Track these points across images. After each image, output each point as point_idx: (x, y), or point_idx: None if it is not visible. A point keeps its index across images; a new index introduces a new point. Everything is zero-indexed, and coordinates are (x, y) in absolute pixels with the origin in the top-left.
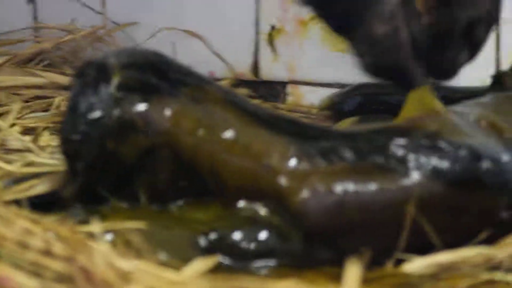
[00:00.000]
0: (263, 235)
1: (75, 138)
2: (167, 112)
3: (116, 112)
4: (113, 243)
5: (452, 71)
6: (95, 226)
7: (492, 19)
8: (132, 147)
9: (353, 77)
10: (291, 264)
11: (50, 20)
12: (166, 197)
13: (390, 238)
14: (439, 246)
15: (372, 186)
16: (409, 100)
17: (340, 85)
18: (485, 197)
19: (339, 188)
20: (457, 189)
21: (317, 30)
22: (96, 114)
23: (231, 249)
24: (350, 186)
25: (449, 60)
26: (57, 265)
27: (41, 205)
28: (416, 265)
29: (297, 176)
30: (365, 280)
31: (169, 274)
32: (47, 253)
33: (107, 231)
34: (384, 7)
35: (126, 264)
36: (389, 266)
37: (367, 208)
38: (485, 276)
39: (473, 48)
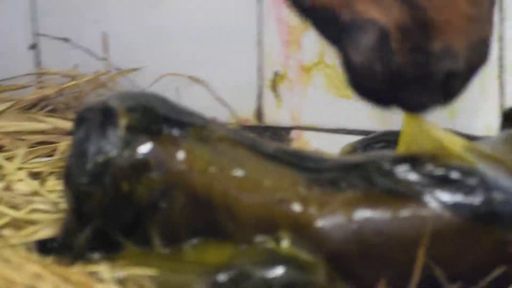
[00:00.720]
0: (284, 268)
1: (85, 181)
2: (178, 152)
3: (127, 153)
4: None
5: (421, 110)
6: (105, 271)
7: (471, 71)
8: (146, 187)
9: (358, 123)
10: None
11: (53, 66)
12: (179, 237)
13: (406, 265)
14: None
15: (385, 212)
16: (405, 126)
17: (345, 131)
18: (498, 230)
19: (354, 214)
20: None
21: (321, 76)
22: (106, 156)
23: (253, 285)
24: (364, 212)
25: (420, 101)
26: None
27: (48, 250)
28: None
29: (312, 204)
30: None
31: None
32: None
33: (118, 276)
34: (361, 40)
35: None
36: None
37: (381, 233)
38: None
39: (448, 96)
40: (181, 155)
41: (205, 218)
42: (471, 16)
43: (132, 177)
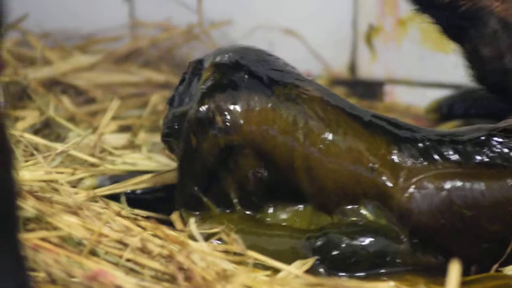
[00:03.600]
0: (372, 239)
1: (166, 132)
2: (256, 110)
3: (197, 107)
4: (213, 245)
5: None
6: (194, 228)
7: None
8: (210, 144)
9: (452, 77)
10: (400, 268)
11: (146, 18)
12: (256, 198)
13: (498, 237)
14: None
15: (480, 184)
16: None
17: (439, 85)
18: None
19: (446, 185)
20: None
21: (416, 30)
22: (183, 109)
23: (341, 255)
24: (457, 184)
25: None
26: (155, 264)
27: (141, 203)
28: None
29: (402, 175)
30: (466, 283)
31: (265, 274)
32: (146, 252)
33: (207, 233)
34: (486, 29)
35: (226, 264)
36: (492, 270)
37: (475, 205)
38: None
39: None
40: (259, 114)
41: (282, 181)
42: None
43: (198, 132)
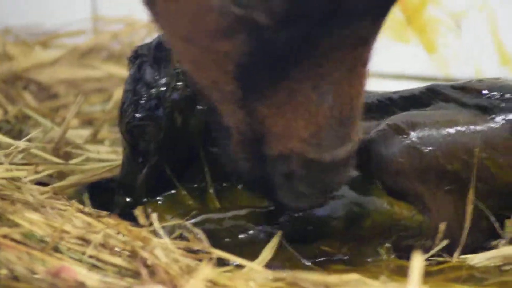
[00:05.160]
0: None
1: (140, 116)
2: None
3: (180, 85)
4: (176, 242)
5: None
6: (158, 223)
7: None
8: (199, 120)
9: (410, 69)
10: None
11: (108, 12)
12: (231, 177)
13: (457, 178)
14: None
15: (436, 126)
16: None
17: (396, 77)
18: None
19: (405, 129)
20: None
21: None
22: (159, 89)
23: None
24: (415, 127)
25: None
26: (118, 260)
27: (104, 192)
28: (480, 257)
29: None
30: (429, 273)
31: (227, 269)
32: (108, 248)
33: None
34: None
35: (188, 258)
36: (454, 258)
37: (432, 143)
38: None
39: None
40: None
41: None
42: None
43: (185, 109)
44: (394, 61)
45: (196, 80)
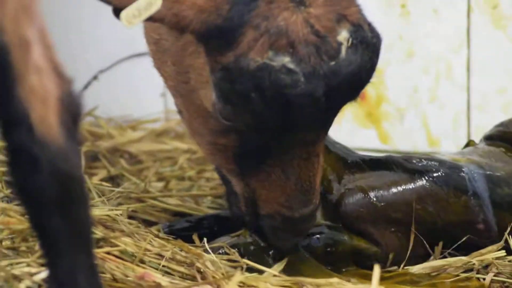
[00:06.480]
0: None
1: None
2: None
3: None
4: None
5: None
6: (207, 244)
7: None
8: None
9: None
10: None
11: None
12: None
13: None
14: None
15: (387, 186)
16: None
17: None
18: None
19: (365, 187)
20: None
21: None
22: None
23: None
24: (373, 185)
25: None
26: (181, 268)
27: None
28: (417, 267)
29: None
30: (384, 278)
31: (254, 274)
32: (175, 260)
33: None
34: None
35: (229, 267)
36: (400, 268)
37: (384, 199)
38: (463, 275)
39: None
40: None
41: None
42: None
43: None
44: (363, 139)
45: (211, 161)
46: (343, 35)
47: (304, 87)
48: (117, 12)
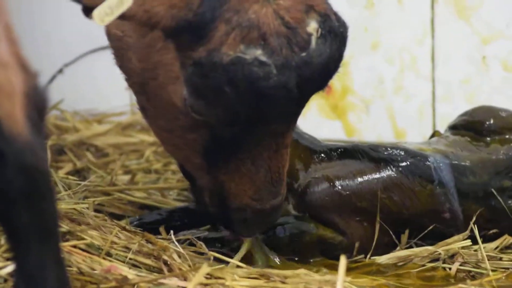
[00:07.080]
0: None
1: None
2: None
3: None
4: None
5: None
6: (173, 236)
7: None
8: None
9: None
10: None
11: None
12: None
13: (365, 212)
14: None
15: (353, 175)
16: None
17: None
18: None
19: (331, 176)
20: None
21: None
22: None
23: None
24: (339, 174)
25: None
26: (148, 261)
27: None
28: (384, 258)
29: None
30: (350, 268)
31: (221, 266)
32: (142, 253)
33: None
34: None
35: (196, 259)
36: (367, 259)
37: (349, 188)
38: (429, 264)
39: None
40: None
41: None
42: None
43: None
44: (329, 131)
45: (176, 157)
46: (312, 26)
47: (277, 79)
48: (87, 11)
